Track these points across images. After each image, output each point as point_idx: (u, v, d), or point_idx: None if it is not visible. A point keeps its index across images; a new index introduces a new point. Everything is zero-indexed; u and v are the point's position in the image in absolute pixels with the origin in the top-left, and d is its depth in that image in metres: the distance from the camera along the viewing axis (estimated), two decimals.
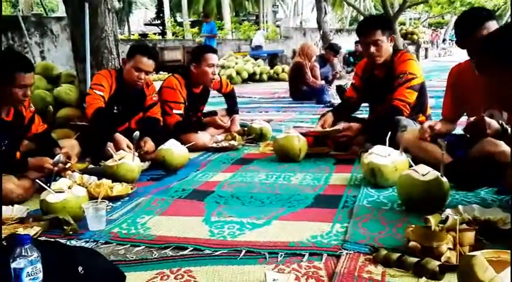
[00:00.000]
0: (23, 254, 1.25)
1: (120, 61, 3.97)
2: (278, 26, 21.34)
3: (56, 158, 2.46)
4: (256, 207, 2.22)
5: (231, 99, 4.22)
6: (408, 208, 2.05)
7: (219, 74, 4.05)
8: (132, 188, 2.52)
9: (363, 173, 2.53)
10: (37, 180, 2.23)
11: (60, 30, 10.78)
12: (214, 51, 3.78)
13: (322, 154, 3.17)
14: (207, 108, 4.15)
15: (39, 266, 1.26)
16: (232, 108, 4.20)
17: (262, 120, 4.06)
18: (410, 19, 26.07)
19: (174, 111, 3.60)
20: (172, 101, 3.60)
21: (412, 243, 1.58)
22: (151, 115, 3.49)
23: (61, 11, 19.92)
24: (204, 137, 3.68)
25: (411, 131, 2.69)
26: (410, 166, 2.18)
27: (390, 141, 2.47)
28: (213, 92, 4.10)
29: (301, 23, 26.88)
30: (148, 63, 3.22)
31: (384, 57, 3.10)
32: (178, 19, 25.61)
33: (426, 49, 20.13)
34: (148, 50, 3.31)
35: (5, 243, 1.39)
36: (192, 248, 1.75)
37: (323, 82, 6.99)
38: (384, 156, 2.36)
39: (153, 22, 32.27)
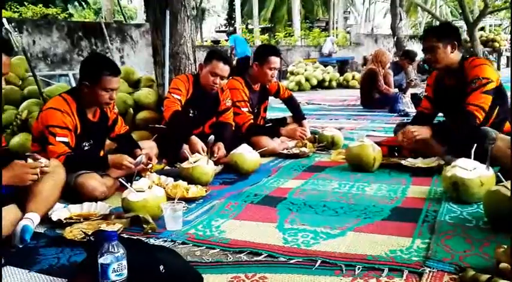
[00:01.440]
0: (110, 250, 1.30)
1: (197, 66, 4.10)
2: (348, 32, 21.03)
3: (138, 158, 2.57)
4: (330, 216, 2.18)
5: (293, 104, 4.17)
6: (496, 227, 1.91)
7: (277, 79, 4.04)
8: (206, 191, 2.56)
9: (443, 186, 2.40)
10: (120, 180, 2.34)
11: (139, 36, 11.32)
12: (278, 55, 3.78)
13: (396, 165, 3.04)
14: (274, 115, 4.16)
15: (124, 262, 1.31)
16: (298, 114, 4.15)
17: (333, 128, 3.99)
18: (490, 25, 24.62)
19: (243, 109, 3.66)
20: (239, 100, 3.66)
21: (503, 265, 1.46)
22: (223, 120, 3.56)
23: (139, 19, 20.97)
24: (274, 143, 3.69)
25: (501, 139, 2.53)
26: (498, 181, 2.04)
27: (476, 154, 2.33)
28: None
29: (372, 29, 26.25)
30: (224, 68, 3.29)
31: (442, 64, 2.95)
32: (249, 26, 25.99)
33: (508, 57, 18.87)
34: (225, 55, 3.39)
35: (92, 239, 1.46)
36: (266, 254, 1.75)
37: (396, 90, 6.77)
38: (468, 170, 2.23)
39: (224, 29, 33.05)
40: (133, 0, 29.21)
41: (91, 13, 21.38)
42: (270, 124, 4.01)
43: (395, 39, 12.38)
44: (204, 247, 1.86)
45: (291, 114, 4.16)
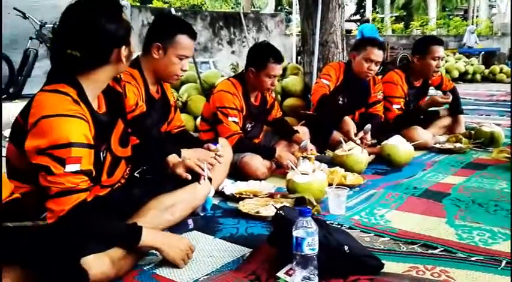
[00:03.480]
0: (304, 225, 1.38)
1: (345, 55, 4.08)
2: (491, 22, 19.14)
3: (303, 143, 2.67)
4: (504, 217, 2.03)
5: (453, 97, 3.94)
6: None
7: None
8: (364, 179, 2.57)
9: None
10: (288, 162, 2.44)
11: (273, 26, 11.64)
12: (441, 43, 3.58)
13: None
14: None
15: (316, 238, 1.38)
16: (456, 108, 3.93)
17: (493, 124, 3.70)
18: None
19: (394, 106, 3.56)
20: (392, 95, 3.57)
21: None
22: (373, 111, 3.53)
23: (269, 9, 21.48)
24: (426, 136, 3.54)
25: None
26: None
27: None
28: None
29: None
30: (378, 53, 3.25)
31: None
32: (380, 15, 25.07)
33: None
34: (378, 41, 3.33)
35: (283, 213, 1.56)
36: (442, 249, 1.70)
37: None
38: None
39: (352, 18, 32.33)
40: None
41: (230, 3, 22.37)
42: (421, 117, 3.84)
43: None
44: (373, 234, 1.88)
45: (445, 106, 3.94)
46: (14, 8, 5.88)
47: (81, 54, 1.43)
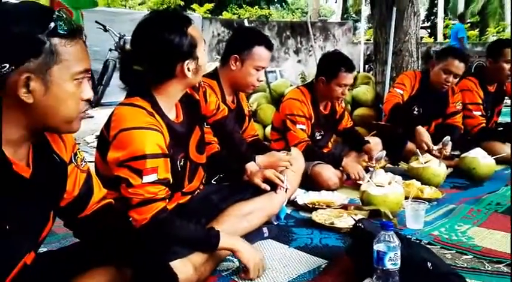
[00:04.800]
0: (387, 239, 1.35)
1: (420, 64, 3.96)
2: None
3: (379, 153, 2.62)
4: None
5: None
6: None
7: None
8: (442, 193, 2.47)
9: None
10: (354, 172, 2.41)
11: (341, 34, 11.52)
12: None
13: None
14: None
15: (399, 253, 1.34)
16: None
17: None
18: None
19: (475, 112, 3.41)
20: (471, 102, 3.43)
21: None
22: (452, 123, 3.38)
23: (335, 17, 21.28)
24: (508, 149, 3.33)
25: None
26: None
27: None
28: None
29: None
30: (459, 66, 3.11)
31: None
32: (453, 21, 24.03)
33: None
34: (460, 52, 3.19)
35: (362, 226, 1.53)
36: None
37: None
38: None
39: (422, 25, 31.28)
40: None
41: (298, 13, 22.46)
42: (501, 128, 3.64)
43: None
44: (455, 251, 1.79)
45: None
46: (96, 21, 6.31)
47: (145, 69, 1.48)
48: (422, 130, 3.07)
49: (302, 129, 2.73)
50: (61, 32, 0.91)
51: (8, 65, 0.87)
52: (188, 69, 1.49)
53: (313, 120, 2.82)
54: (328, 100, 2.90)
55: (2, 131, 0.92)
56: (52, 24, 0.90)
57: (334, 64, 2.75)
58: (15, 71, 0.88)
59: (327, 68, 2.78)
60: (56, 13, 0.92)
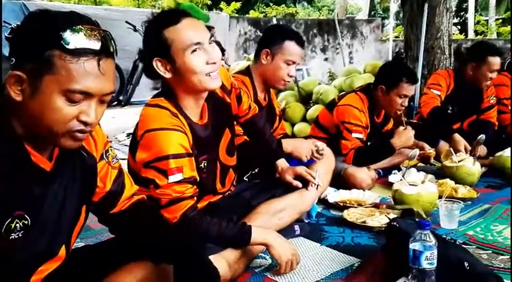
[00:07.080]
0: (423, 238, 1.33)
1: (452, 61, 3.89)
2: None
3: (412, 152, 2.58)
4: None
5: None
6: None
7: None
8: (477, 193, 2.42)
9: None
10: (394, 172, 2.38)
11: (369, 31, 11.37)
12: None
13: None
14: None
15: (435, 252, 1.33)
16: None
17: None
18: None
19: (510, 107, 3.33)
20: (508, 97, 3.34)
21: None
22: (486, 118, 3.31)
23: (362, 14, 21.00)
24: None
25: None
26: None
27: None
28: None
29: None
30: (497, 62, 3.05)
31: None
32: (484, 17, 23.41)
33: None
34: (496, 48, 3.12)
35: (397, 225, 1.52)
36: None
37: None
38: None
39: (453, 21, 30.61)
40: None
41: (325, 11, 22.27)
42: None
43: None
44: (491, 251, 1.76)
45: None
46: (126, 22, 6.42)
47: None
48: (458, 138, 2.99)
49: (358, 138, 2.63)
50: (65, 46, 0.89)
51: (14, 60, 0.91)
52: (158, 67, 1.46)
53: (368, 129, 2.70)
54: (385, 110, 2.80)
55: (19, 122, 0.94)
56: (60, 35, 0.88)
57: (395, 73, 2.64)
58: (17, 67, 0.90)
59: (387, 77, 2.67)
60: (74, 27, 0.90)
